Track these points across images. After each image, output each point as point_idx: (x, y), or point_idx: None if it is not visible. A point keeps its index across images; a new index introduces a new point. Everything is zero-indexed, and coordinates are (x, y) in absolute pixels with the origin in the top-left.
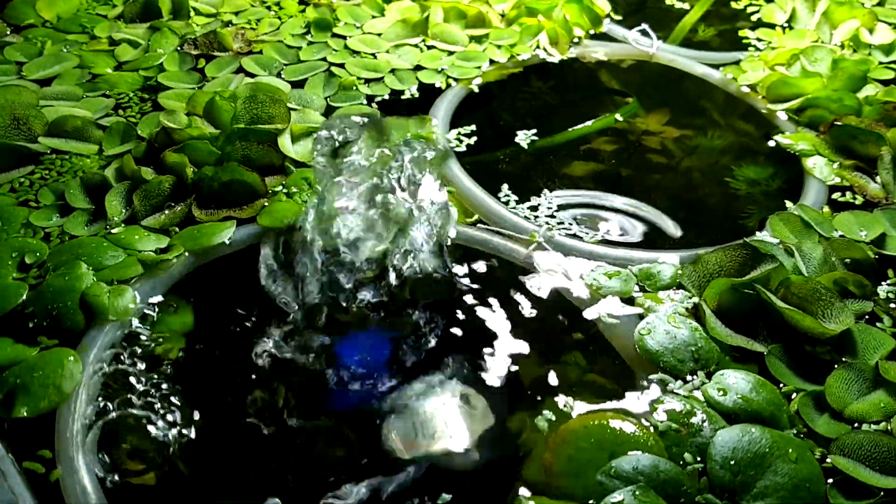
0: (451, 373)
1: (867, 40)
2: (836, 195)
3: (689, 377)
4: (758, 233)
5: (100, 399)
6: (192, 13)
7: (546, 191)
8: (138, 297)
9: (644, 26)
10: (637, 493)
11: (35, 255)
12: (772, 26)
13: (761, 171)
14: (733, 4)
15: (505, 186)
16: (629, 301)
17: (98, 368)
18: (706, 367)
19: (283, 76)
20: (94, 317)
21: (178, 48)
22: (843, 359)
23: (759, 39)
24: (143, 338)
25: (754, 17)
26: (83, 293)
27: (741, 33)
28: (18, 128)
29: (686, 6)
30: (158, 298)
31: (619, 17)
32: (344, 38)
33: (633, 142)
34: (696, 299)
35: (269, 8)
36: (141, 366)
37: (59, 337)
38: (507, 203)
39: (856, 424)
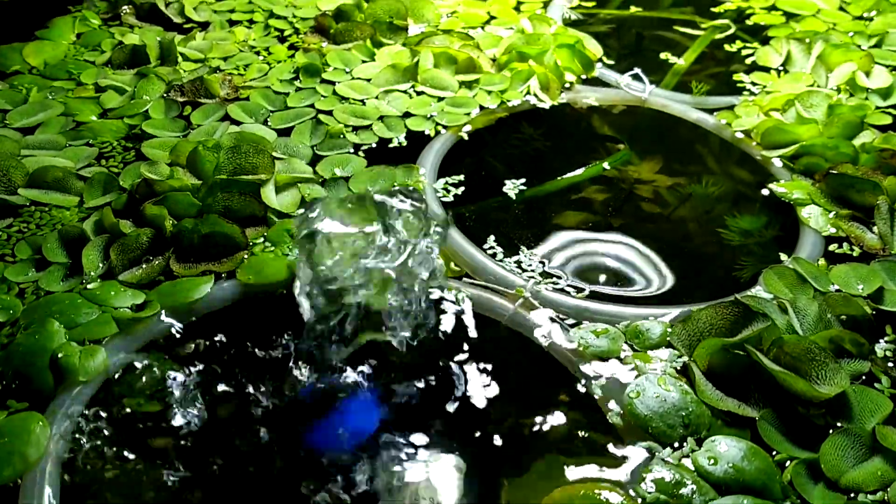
0: (434, 438)
1: (864, 83)
2: (832, 246)
3: (678, 444)
4: (751, 288)
5: (67, 465)
6: (179, 59)
7: (533, 243)
8: (111, 357)
9: (636, 70)
10: None
11: (8, 313)
12: (767, 70)
13: (755, 221)
14: (727, 47)
15: (491, 238)
16: (618, 360)
17: (65, 434)
18: (697, 433)
19: (269, 123)
20: (63, 378)
21: (165, 95)
22: (838, 423)
23: (753, 83)
24: (114, 400)
25: (749, 60)
26: (53, 353)
27: (736, 77)
28: None
29: (682, 61)
30: (132, 357)
31: (611, 62)
32: (333, 83)
33: (626, 190)
34: (685, 359)
35: (258, 53)
36: (111, 430)
37: (28, 399)
38: (494, 255)
39: (852, 494)
